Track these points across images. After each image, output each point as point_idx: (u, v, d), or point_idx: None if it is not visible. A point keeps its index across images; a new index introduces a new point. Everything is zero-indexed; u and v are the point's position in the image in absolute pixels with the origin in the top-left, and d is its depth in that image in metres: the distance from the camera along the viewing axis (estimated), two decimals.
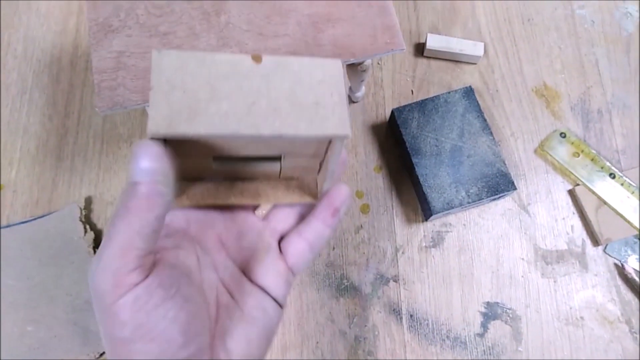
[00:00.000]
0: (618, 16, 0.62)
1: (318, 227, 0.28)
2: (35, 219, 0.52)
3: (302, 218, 0.29)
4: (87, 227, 0.52)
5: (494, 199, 0.53)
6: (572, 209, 0.54)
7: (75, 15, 0.62)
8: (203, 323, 0.23)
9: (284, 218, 0.29)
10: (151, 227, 0.21)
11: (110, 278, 0.20)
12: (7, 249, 0.51)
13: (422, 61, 0.60)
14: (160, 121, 0.21)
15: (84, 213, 0.53)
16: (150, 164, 0.21)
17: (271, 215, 0.29)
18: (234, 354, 0.24)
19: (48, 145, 0.57)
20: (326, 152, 0.26)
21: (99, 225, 0.53)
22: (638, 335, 0.49)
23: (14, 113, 0.58)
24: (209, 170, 0.27)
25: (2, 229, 0.52)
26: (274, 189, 0.28)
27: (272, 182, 0.29)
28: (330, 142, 0.25)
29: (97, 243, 0.52)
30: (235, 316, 0.25)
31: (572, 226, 0.53)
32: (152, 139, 0.21)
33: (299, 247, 0.28)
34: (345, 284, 0.51)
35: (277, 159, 0.27)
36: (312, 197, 0.29)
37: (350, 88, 0.56)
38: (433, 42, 0.58)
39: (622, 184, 0.53)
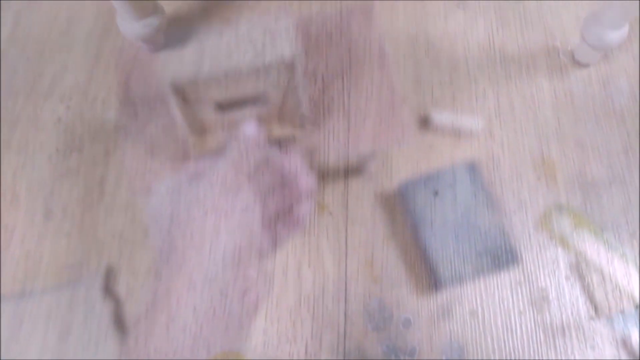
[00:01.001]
0: (611, 88, 0.65)
1: None
2: (53, 289, 0.54)
3: None
4: (108, 297, 0.54)
5: (501, 271, 0.55)
6: (576, 281, 0.55)
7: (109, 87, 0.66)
8: None
9: None
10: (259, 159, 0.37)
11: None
12: (22, 322, 0.53)
13: (427, 134, 0.63)
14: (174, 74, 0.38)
15: (105, 283, 0.55)
16: (256, 125, 0.39)
17: None
18: None
19: (73, 212, 0.59)
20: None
21: (120, 296, 0.55)
22: None
23: (38, 172, 0.62)
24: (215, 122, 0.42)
25: (17, 300, 0.53)
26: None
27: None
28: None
29: (117, 316, 0.54)
30: None
31: (576, 298, 0.55)
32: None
33: None
34: (357, 358, 0.53)
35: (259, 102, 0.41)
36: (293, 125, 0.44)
37: (359, 158, 0.59)
38: (436, 116, 0.62)
39: (623, 257, 0.55)
